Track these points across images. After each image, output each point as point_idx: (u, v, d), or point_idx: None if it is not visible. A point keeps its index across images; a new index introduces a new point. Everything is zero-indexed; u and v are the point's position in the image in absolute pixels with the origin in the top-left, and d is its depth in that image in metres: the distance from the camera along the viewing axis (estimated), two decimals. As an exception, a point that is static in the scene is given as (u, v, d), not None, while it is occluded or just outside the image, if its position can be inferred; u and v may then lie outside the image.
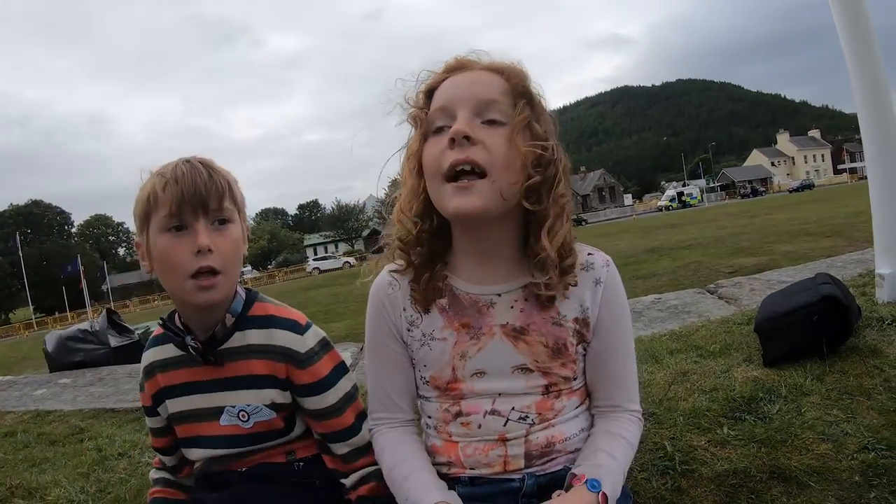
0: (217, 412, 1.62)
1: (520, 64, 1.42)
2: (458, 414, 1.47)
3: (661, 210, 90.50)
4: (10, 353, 23.27)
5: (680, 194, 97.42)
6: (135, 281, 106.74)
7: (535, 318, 1.42)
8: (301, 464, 1.69)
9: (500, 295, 1.44)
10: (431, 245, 1.48)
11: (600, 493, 1.30)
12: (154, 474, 1.84)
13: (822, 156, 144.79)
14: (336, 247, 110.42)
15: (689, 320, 3.83)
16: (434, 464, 1.52)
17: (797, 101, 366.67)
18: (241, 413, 1.60)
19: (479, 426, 1.45)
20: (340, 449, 1.64)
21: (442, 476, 1.48)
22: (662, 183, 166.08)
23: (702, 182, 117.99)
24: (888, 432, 2.03)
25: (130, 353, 6.38)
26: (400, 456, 1.49)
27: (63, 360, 6.16)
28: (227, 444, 1.63)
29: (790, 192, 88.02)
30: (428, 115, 1.41)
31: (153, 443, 1.80)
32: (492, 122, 1.34)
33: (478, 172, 1.31)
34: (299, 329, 1.62)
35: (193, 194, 1.47)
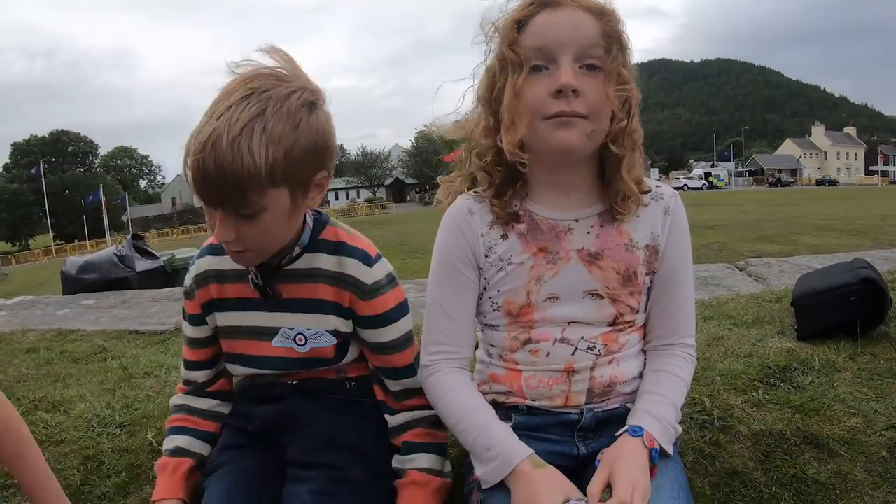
0: (271, 332, 1.61)
1: (611, 3, 1.40)
2: (528, 341, 1.48)
3: (684, 188, 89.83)
4: (30, 279, 23.50)
5: (707, 174, 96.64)
6: (155, 213, 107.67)
7: (609, 243, 1.45)
8: (353, 382, 1.69)
9: (577, 220, 1.46)
10: (510, 170, 1.48)
11: (645, 436, 1.35)
12: (176, 400, 1.80)
13: (856, 154, 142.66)
14: (358, 193, 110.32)
15: (719, 292, 3.82)
16: (492, 392, 1.54)
17: (836, 95, 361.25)
18: (299, 337, 1.60)
19: (548, 354, 1.47)
20: (393, 386, 1.64)
21: (499, 404, 1.51)
22: (691, 161, 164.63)
23: (731, 165, 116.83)
24: (915, 417, 2.04)
25: (155, 279, 6.43)
26: (473, 402, 1.48)
27: (82, 283, 6.15)
28: (276, 365, 1.63)
29: (817, 184, 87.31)
30: (522, 51, 1.37)
31: (186, 355, 1.76)
32: (590, 68, 1.35)
33: (580, 116, 1.33)
34: (369, 260, 1.58)
35: (206, 190, 1.34)
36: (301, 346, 1.60)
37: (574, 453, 1.47)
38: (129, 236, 7.06)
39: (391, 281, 1.61)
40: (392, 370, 1.63)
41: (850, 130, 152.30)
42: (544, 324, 1.47)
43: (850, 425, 1.99)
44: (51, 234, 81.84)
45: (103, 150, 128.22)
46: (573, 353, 1.46)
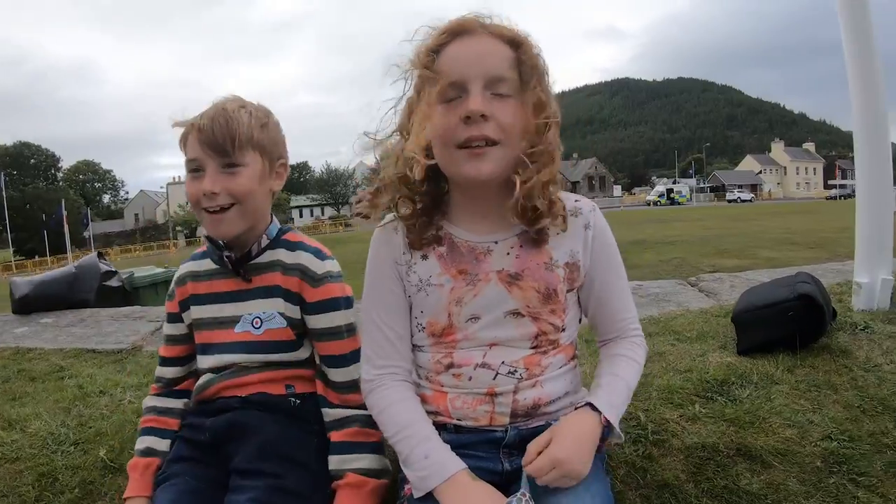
0: (235, 320, 1.81)
1: (523, 31, 1.46)
2: (450, 365, 1.53)
3: (648, 205, 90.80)
4: (-12, 294, 23.05)
5: (669, 191, 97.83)
6: (117, 230, 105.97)
7: (529, 263, 1.50)
8: (298, 400, 1.78)
9: (496, 242, 1.52)
10: (432, 195, 1.56)
11: (601, 417, 1.44)
12: (147, 402, 1.96)
13: (815, 169, 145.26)
14: (322, 211, 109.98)
15: (669, 308, 3.89)
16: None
17: (796, 112, 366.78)
18: (255, 320, 1.80)
19: (470, 378, 1.52)
20: (336, 375, 1.77)
21: None
22: (653, 178, 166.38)
23: (692, 181, 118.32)
24: (851, 425, 2.12)
25: (114, 297, 6.34)
26: (414, 415, 1.53)
27: (39, 301, 5.90)
28: (238, 349, 1.78)
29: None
30: (437, 84, 1.42)
31: (162, 352, 1.96)
32: (502, 94, 1.40)
33: (490, 142, 1.39)
34: (321, 255, 1.81)
35: (208, 144, 1.69)
36: (257, 328, 1.79)
37: (499, 469, 1.52)
38: (94, 254, 6.95)
39: (339, 276, 1.83)
40: (335, 357, 1.77)
41: (809, 146, 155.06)
42: (467, 344, 1.52)
43: (784, 437, 2.06)
44: (11, 249, 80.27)
45: (66, 163, 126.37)
46: (494, 378, 1.51)
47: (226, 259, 1.80)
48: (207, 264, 1.88)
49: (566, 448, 1.36)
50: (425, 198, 1.55)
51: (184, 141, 1.75)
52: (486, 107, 1.37)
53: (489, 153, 1.39)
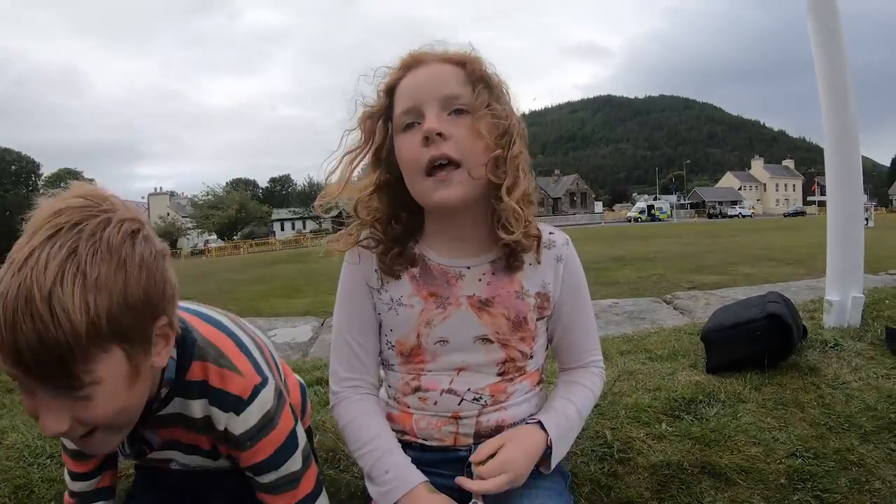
0: (166, 461, 1.54)
1: (473, 50, 1.50)
2: (417, 389, 1.55)
3: (629, 221, 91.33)
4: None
5: (650, 207, 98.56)
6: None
7: (500, 290, 1.52)
8: None
9: (469, 268, 1.53)
10: (404, 223, 1.58)
11: (547, 434, 1.47)
12: (72, 485, 1.62)
13: (794, 186, 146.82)
14: (304, 224, 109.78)
15: (643, 326, 3.95)
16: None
17: (775, 129, 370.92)
18: (173, 462, 1.54)
19: (436, 402, 1.54)
20: (267, 478, 1.43)
21: None
22: (634, 195, 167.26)
23: (673, 198, 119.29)
24: (816, 443, 2.16)
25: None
26: (378, 429, 1.54)
27: None
28: (179, 475, 1.59)
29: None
30: (394, 115, 1.48)
31: (70, 466, 1.59)
32: (457, 112, 1.43)
33: (453, 163, 1.41)
34: (241, 407, 1.34)
35: (19, 367, 1.04)
36: (192, 466, 1.55)
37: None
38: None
39: (268, 423, 1.38)
40: (275, 485, 1.43)
41: (789, 163, 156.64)
42: (434, 368, 1.54)
43: (749, 454, 2.09)
44: (-12, 258, 79.37)
45: (47, 170, 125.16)
46: (459, 404, 1.53)
47: (119, 451, 1.47)
48: None
49: (517, 455, 1.41)
50: (397, 227, 1.58)
51: None
52: (441, 125, 1.41)
53: (453, 177, 1.41)
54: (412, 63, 1.49)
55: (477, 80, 1.46)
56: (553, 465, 1.49)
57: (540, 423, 1.49)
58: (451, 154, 1.40)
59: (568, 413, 1.54)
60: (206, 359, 1.36)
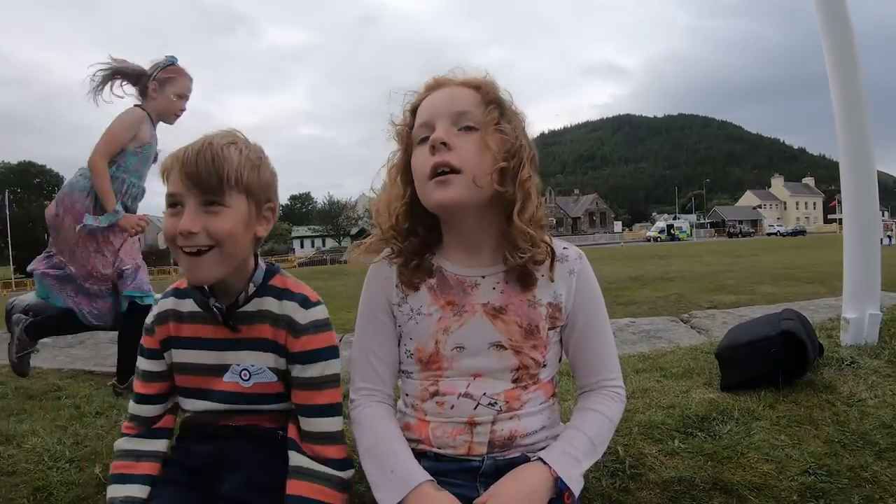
0: (223, 369, 1.73)
1: (489, 76, 1.63)
2: (435, 393, 1.62)
3: (649, 240, 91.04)
4: (-13, 310, 23.10)
5: (670, 227, 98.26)
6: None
7: (513, 299, 1.60)
8: (285, 433, 1.75)
9: (483, 277, 1.62)
10: (422, 237, 1.67)
11: (549, 469, 1.49)
12: (122, 444, 1.81)
13: (814, 203, 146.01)
14: (323, 242, 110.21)
15: (660, 345, 3.95)
16: (407, 440, 1.64)
17: (795, 147, 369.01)
18: (244, 372, 1.72)
19: (452, 407, 1.59)
20: (305, 424, 1.69)
21: (411, 451, 1.61)
22: (654, 214, 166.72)
23: (692, 217, 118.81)
24: (830, 460, 2.16)
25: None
26: (386, 432, 1.61)
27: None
28: (225, 399, 1.73)
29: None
30: (413, 130, 1.63)
31: (139, 389, 1.82)
32: (467, 129, 1.55)
33: (454, 170, 1.51)
34: (307, 304, 1.72)
35: (190, 179, 1.57)
36: (246, 381, 1.73)
37: (474, 496, 1.54)
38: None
39: (323, 325, 1.72)
40: (309, 407, 1.69)
41: (809, 181, 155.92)
42: (452, 373, 1.61)
43: (762, 471, 2.10)
44: (11, 267, 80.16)
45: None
46: (475, 408, 1.58)
47: (214, 309, 1.71)
48: (190, 305, 1.76)
49: (513, 497, 1.44)
50: (414, 241, 1.66)
51: (166, 173, 1.63)
52: (447, 136, 1.53)
53: (453, 180, 1.51)
54: (434, 86, 1.64)
55: (490, 101, 1.57)
56: (577, 493, 1.51)
57: (541, 459, 1.52)
58: (452, 162, 1.51)
59: (576, 442, 1.57)
60: (285, 275, 1.80)
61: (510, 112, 1.61)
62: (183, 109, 3.85)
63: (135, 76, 3.74)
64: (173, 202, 1.60)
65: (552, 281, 1.62)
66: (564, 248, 1.67)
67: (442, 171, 1.52)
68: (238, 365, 1.72)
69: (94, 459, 2.41)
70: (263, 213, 1.70)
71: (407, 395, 1.70)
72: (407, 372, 1.70)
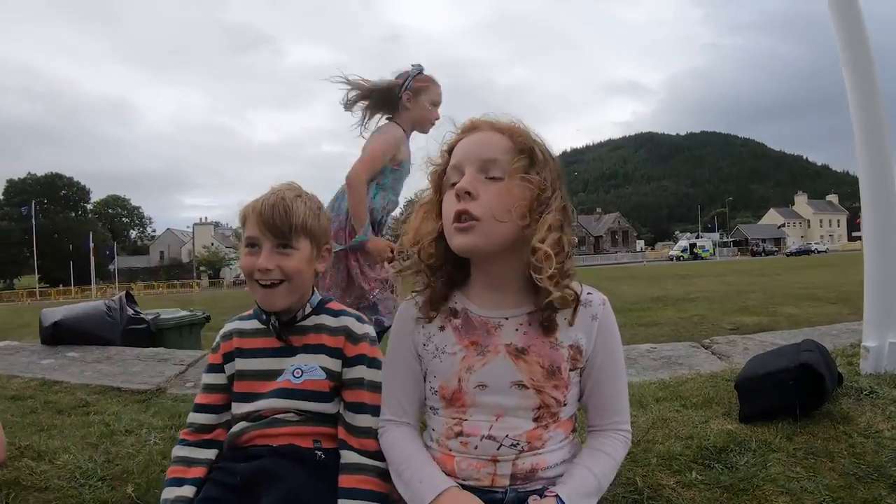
0: (277, 373, 1.94)
1: (521, 122, 1.70)
2: (460, 433, 1.68)
3: (671, 259, 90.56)
4: (12, 319, 23.36)
5: (692, 245, 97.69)
6: (142, 265, 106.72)
7: (535, 341, 1.66)
8: (323, 455, 1.88)
9: (507, 318, 1.69)
10: (448, 273, 1.76)
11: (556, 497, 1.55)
12: (178, 451, 1.98)
13: (838, 221, 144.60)
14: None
15: (680, 371, 3.95)
16: None
17: (819, 164, 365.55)
18: (296, 371, 1.93)
19: (476, 447, 1.66)
20: (354, 420, 1.89)
21: None
22: (676, 233, 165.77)
23: (715, 236, 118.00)
24: (844, 493, 2.17)
25: (139, 338, 6.44)
26: (414, 448, 1.73)
27: (68, 334, 5.91)
28: (275, 394, 1.91)
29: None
30: (447, 170, 1.72)
31: (198, 399, 2.05)
32: (493, 177, 1.62)
33: (475, 218, 1.59)
34: (361, 321, 2.02)
35: (267, 227, 1.90)
36: (297, 378, 1.92)
37: None
38: (123, 294, 7.04)
39: (375, 340, 2.01)
40: (358, 404, 1.90)
41: (833, 198, 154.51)
42: (475, 411, 1.67)
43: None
44: (36, 276, 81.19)
45: (96, 196, 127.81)
46: (498, 449, 1.64)
47: (272, 325, 1.97)
48: (253, 324, 2.03)
49: None
50: (441, 277, 1.75)
51: (243, 219, 1.96)
52: (472, 186, 1.61)
53: (473, 227, 1.60)
54: (469, 128, 1.73)
55: (523, 150, 1.64)
56: None
57: (558, 496, 1.56)
58: (472, 211, 1.59)
59: (588, 483, 1.62)
60: (337, 303, 2.09)
61: (541, 162, 1.66)
62: (437, 118, 3.72)
63: (387, 90, 3.66)
64: (251, 243, 1.93)
65: (571, 325, 1.68)
66: (589, 293, 1.73)
67: (464, 218, 1.60)
68: (292, 365, 1.94)
69: (126, 479, 2.47)
70: (322, 252, 2.03)
71: (433, 430, 1.77)
72: (433, 408, 1.77)
